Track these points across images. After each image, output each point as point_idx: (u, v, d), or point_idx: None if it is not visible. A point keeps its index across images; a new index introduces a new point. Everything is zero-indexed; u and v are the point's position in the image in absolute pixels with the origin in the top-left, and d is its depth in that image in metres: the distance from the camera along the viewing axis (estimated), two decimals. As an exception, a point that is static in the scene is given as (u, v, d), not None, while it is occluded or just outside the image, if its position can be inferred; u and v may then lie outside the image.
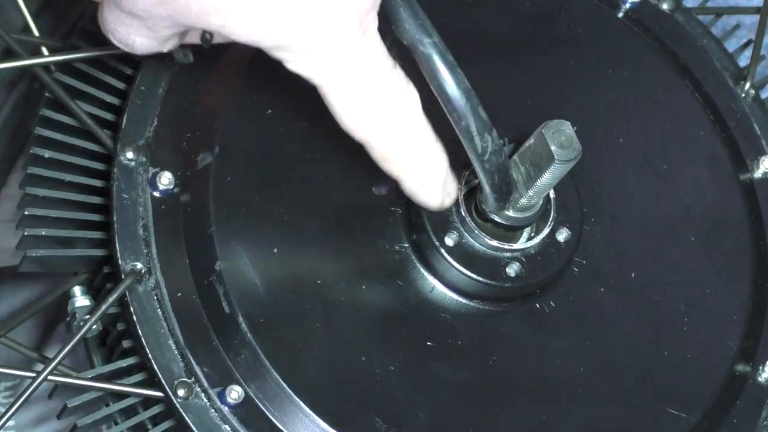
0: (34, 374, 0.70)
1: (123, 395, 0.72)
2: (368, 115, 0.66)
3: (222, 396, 0.70)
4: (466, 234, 0.75)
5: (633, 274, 0.80)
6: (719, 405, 0.78)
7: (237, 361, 0.71)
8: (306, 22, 0.61)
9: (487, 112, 0.66)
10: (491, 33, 0.85)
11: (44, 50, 0.80)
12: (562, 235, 0.76)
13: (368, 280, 0.75)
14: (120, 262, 0.72)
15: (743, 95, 0.89)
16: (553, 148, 0.70)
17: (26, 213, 0.74)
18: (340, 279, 0.74)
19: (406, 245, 0.76)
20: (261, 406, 0.70)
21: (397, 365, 0.73)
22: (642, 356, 0.78)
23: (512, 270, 0.75)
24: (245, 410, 0.71)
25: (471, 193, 0.76)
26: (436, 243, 0.74)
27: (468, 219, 0.75)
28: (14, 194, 0.85)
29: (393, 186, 0.73)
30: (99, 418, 0.72)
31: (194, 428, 0.70)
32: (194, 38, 0.68)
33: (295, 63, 0.63)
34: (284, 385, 0.70)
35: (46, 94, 0.77)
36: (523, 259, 0.76)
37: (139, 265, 0.72)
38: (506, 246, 0.75)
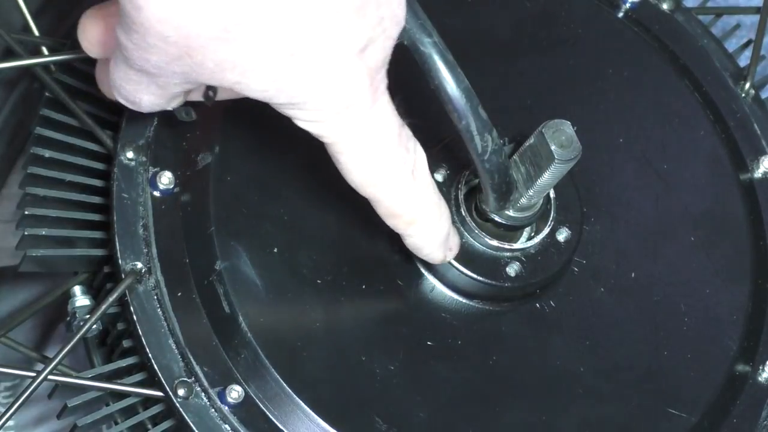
0: (34, 374, 0.70)
1: (123, 395, 0.72)
2: (376, 173, 0.66)
3: (222, 396, 0.70)
4: (466, 234, 0.75)
5: (633, 274, 0.80)
6: (719, 405, 0.78)
7: (237, 361, 0.71)
8: (318, 81, 0.60)
9: (487, 112, 0.66)
10: (491, 33, 0.85)
11: (44, 50, 0.80)
12: (562, 235, 0.76)
13: (368, 279, 0.75)
14: (120, 261, 0.72)
15: (743, 95, 0.89)
16: (553, 147, 0.70)
17: (26, 213, 0.74)
18: (340, 279, 0.74)
19: (406, 245, 0.76)
20: (261, 405, 0.70)
21: (397, 365, 0.73)
22: (642, 356, 0.78)
23: (512, 270, 0.75)
24: (245, 410, 0.71)
25: (471, 193, 0.76)
26: (436, 243, 0.74)
27: (468, 219, 0.75)
28: (14, 194, 0.85)
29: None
30: (99, 417, 0.72)
31: (194, 428, 0.70)
32: (197, 96, 0.67)
33: (307, 122, 0.63)
34: (284, 385, 0.70)
35: (46, 94, 0.77)
36: (523, 258, 0.76)
37: (139, 265, 0.72)
38: (506, 246, 0.75)
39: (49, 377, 0.70)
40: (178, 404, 0.70)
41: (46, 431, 1.03)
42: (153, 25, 0.56)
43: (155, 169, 0.74)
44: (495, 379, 0.75)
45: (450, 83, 0.65)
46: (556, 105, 0.84)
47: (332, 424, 0.70)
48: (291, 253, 0.74)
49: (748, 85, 0.89)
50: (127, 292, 0.72)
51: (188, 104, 0.69)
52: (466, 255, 0.75)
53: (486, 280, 0.75)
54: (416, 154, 0.67)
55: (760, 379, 0.80)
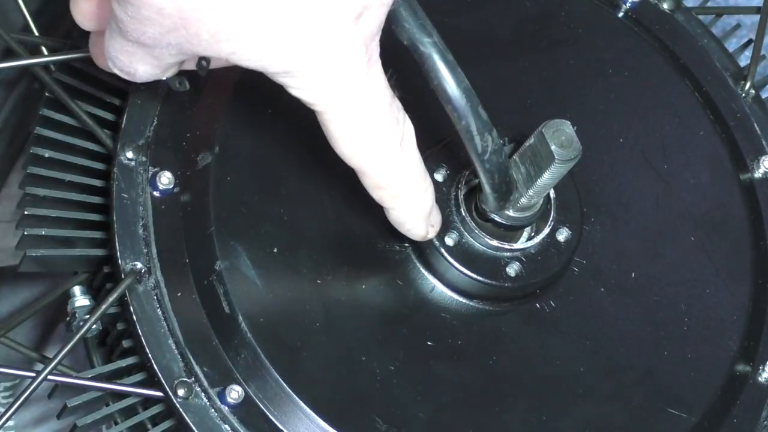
0: (34, 374, 0.70)
1: (123, 395, 0.72)
2: (365, 144, 0.66)
3: (222, 396, 0.70)
4: (466, 234, 0.75)
5: (633, 274, 0.80)
6: (719, 405, 0.78)
7: (237, 361, 0.71)
8: (313, 48, 0.60)
9: (487, 112, 0.66)
10: (491, 33, 0.85)
11: (44, 50, 0.80)
12: (562, 235, 0.76)
13: (368, 279, 0.75)
14: (120, 261, 0.72)
15: (743, 95, 0.89)
16: (553, 147, 0.70)
17: (26, 213, 0.74)
18: (340, 279, 0.74)
19: (406, 245, 0.76)
20: (261, 405, 0.70)
21: (397, 365, 0.73)
22: (642, 356, 0.78)
23: (512, 270, 0.75)
24: (245, 410, 0.71)
25: (471, 193, 0.76)
26: (436, 243, 0.74)
27: (468, 219, 0.75)
28: (14, 194, 0.85)
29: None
30: (99, 417, 0.72)
31: (194, 428, 0.70)
32: (190, 65, 0.67)
33: (300, 90, 0.63)
34: (284, 385, 0.70)
35: (46, 94, 0.77)
36: (523, 258, 0.76)
37: (139, 265, 0.72)
38: (506, 246, 0.75)
39: (49, 377, 0.70)
40: (178, 404, 0.70)
41: (46, 431, 1.03)
42: None
43: (155, 169, 0.74)
44: (495, 379, 0.75)
45: (450, 83, 0.65)
46: (556, 105, 0.84)
47: (332, 424, 0.70)
48: (291, 253, 0.74)
49: (748, 85, 0.89)
50: (126, 292, 0.72)
51: (182, 74, 0.69)
52: (466, 255, 0.75)
53: (486, 280, 0.75)
54: (405, 126, 0.67)
55: (760, 379, 0.80)
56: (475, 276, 0.75)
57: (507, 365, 0.75)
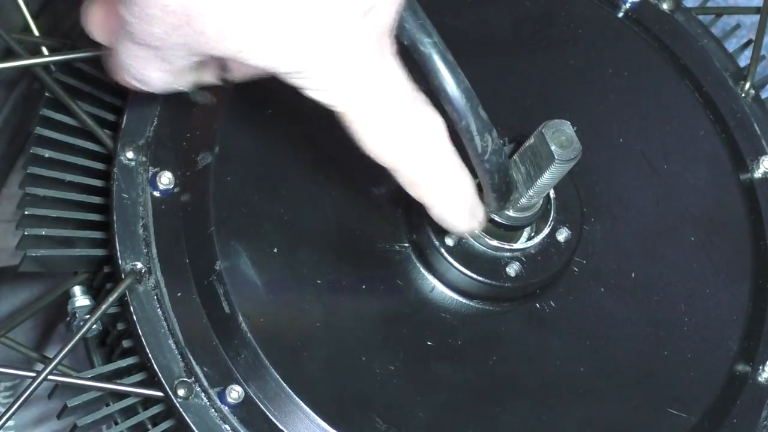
0: (34, 374, 0.70)
1: (123, 395, 0.72)
2: (393, 140, 0.65)
3: (222, 396, 0.70)
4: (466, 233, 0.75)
5: (633, 274, 0.80)
6: (719, 405, 0.78)
7: (237, 361, 0.71)
8: (323, 45, 0.60)
9: (487, 112, 0.66)
10: (491, 33, 0.85)
11: (44, 50, 0.80)
12: (562, 235, 0.76)
13: (368, 280, 0.75)
14: (120, 262, 0.72)
15: (743, 95, 0.89)
16: (553, 148, 0.70)
17: (26, 213, 0.74)
18: (340, 279, 0.74)
19: (407, 245, 0.76)
20: (261, 406, 0.70)
21: (397, 365, 0.73)
22: (642, 356, 0.78)
23: (512, 270, 0.75)
24: (245, 410, 0.71)
25: (471, 193, 0.76)
26: (437, 243, 0.74)
27: (468, 219, 0.75)
28: (14, 194, 0.85)
29: (393, 186, 0.73)
30: (99, 418, 0.72)
31: (194, 428, 0.70)
32: (211, 78, 0.67)
33: (315, 91, 0.62)
34: (284, 385, 0.70)
35: (46, 94, 0.77)
36: (523, 259, 0.76)
37: (139, 265, 0.72)
38: (506, 246, 0.75)
39: (49, 377, 0.70)
40: (178, 404, 0.70)
41: (46, 431, 1.03)
42: None
43: (155, 169, 0.74)
44: (495, 379, 0.75)
45: (450, 83, 0.65)
46: (556, 105, 0.84)
47: (332, 424, 0.70)
48: (291, 253, 0.74)
49: (748, 85, 0.89)
50: (127, 292, 0.72)
51: (204, 88, 0.69)
52: (466, 255, 0.75)
53: (486, 281, 0.75)
54: (433, 119, 0.66)
55: (760, 379, 0.80)
56: (475, 276, 0.75)
57: (507, 365, 0.75)
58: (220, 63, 0.68)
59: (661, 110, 0.86)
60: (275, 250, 0.74)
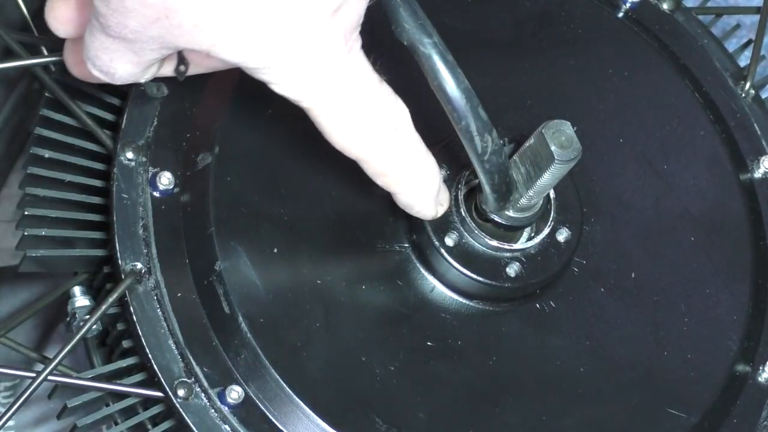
0: (34, 374, 0.70)
1: (123, 395, 0.72)
2: (359, 133, 0.66)
3: (222, 396, 0.70)
4: (466, 234, 0.75)
5: (633, 274, 0.80)
6: (719, 405, 0.78)
7: (237, 361, 0.71)
8: (292, 42, 0.61)
9: (487, 112, 0.66)
10: (491, 33, 0.85)
11: (44, 50, 0.80)
12: (562, 235, 0.76)
13: (368, 280, 0.75)
14: (120, 262, 0.72)
15: (743, 95, 0.89)
16: (553, 148, 0.70)
17: (26, 213, 0.74)
18: (340, 279, 0.74)
19: (406, 245, 0.76)
20: (261, 406, 0.70)
21: (397, 365, 0.73)
22: (642, 356, 0.78)
23: (512, 270, 0.75)
24: (245, 410, 0.71)
25: (471, 193, 0.76)
26: (436, 243, 0.74)
27: (468, 219, 0.75)
28: (14, 194, 0.85)
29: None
30: (99, 418, 0.72)
31: (194, 428, 0.70)
32: (167, 71, 0.67)
33: (282, 86, 0.63)
34: (284, 385, 0.70)
35: (46, 94, 0.77)
36: (523, 259, 0.76)
37: (139, 265, 0.72)
38: (506, 246, 0.75)
39: (49, 377, 0.70)
40: (178, 405, 0.70)
41: (46, 431, 1.03)
42: None
43: (155, 170, 0.74)
44: (495, 380, 0.75)
45: (450, 84, 0.65)
46: (556, 105, 0.84)
47: (332, 424, 0.70)
48: (291, 253, 0.74)
49: (748, 85, 0.89)
50: (126, 292, 0.72)
51: (159, 80, 0.69)
52: (466, 255, 0.75)
53: (486, 281, 0.75)
54: (398, 110, 0.67)
55: (760, 379, 0.80)
56: (475, 276, 0.75)
57: (507, 365, 0.75)
58: (179, 56, 0.68)
59: (661, 110, 0.86)
60: (275, 250, 0.74)
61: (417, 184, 0.70)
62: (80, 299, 0.76)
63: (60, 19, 0.67)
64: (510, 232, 0.76)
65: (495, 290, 0.75)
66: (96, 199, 0.75)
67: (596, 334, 0.78)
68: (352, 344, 0.73)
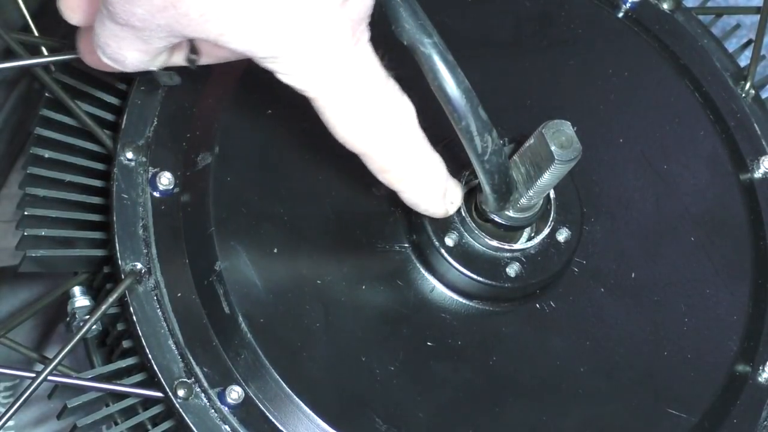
0: (34, 374, 0.70)
1: (123, 395, 0.72)
2: (363, 127, 0.66)
3: (222, 396, 0.70)
4: (466, 234, 0.75)
5: (633, 274, 0.80)
6: (719, 405, 0.78)
7: (237, 361, 0.71)
8: (300, 32, 0.61)
9: (487, 112, 0.66)
10: (491, 33, 0.85)
11: (44, 50, 0.80)
12: (562, 235, 0.76)
13: (368, 280, 0.75)
14: (120, 262, 0.72)
15: (743, 95, 0.89)
16: (553, 148, 0.69)
17: (26, 213, 0.74)
18: (340, 279, 0.74)
19: (406, 245, 0.76)
20: (261, 406, 0.70)
21: (397, 365, 0.73)
22: (642, 356, 0.78)
23: (512, 270, 0.75)
24: (245, 410, 0.71)
25: (471, 193, 0.76)
26: (436, 243, 0.74)
27: (468, 219, 0.75)
28: (14, 194, 0.85)
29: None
30: (99, 418, 0.72)
31: (194, 428, 0.70)
32: (179, 60, 0.67)
33: (289, 75, 0.63)
34: (284, 385, 0.70)
35: (46, 94, 0.77)
36: (523, 259, 0.76)
37: (139, 265, 0.72)
38: (506, 246, 0.75)
39: (49, 378, 0.70)
40: (177, 405, 0.70)
41: (46, 431, 1.03)
42: None
43: (155, 170, 0.74)
44: (495, 380, 0.75)
45: (450, 84, 0.65)
46: (556, 105, 0.84)
47: (332, 425, 0.70)
48: (291, 253, 0.74)
49: (748, 85, 0.89)
50: (126, 292, 0.72)
51: (171, 69, 0.69)
52: (466, 255, 0.75)
53: (486, 281, 0.75)
54: (404, 106, 0.67)
55: (760, 379, 0.80)
56: (475, 276, 0.75)
57: (507, 365, 0.75)
58: (191, 45, 0.68)
59: (661, 110, 0.86)
60: (275, 250, 0.74)
61: (420, 182, 0.70)
62: (80, 299, 0.76)
63: (72, 6, 0.67)
64: (510, 232, 0.76)
65: (495, 290, 0.75)
66: (96, 199, 0.75)
67: (596, 334, 0.78)
68: (352, 344, 0.73)
